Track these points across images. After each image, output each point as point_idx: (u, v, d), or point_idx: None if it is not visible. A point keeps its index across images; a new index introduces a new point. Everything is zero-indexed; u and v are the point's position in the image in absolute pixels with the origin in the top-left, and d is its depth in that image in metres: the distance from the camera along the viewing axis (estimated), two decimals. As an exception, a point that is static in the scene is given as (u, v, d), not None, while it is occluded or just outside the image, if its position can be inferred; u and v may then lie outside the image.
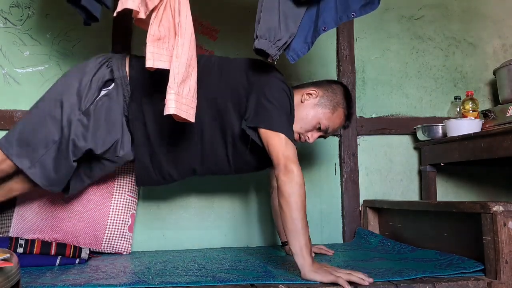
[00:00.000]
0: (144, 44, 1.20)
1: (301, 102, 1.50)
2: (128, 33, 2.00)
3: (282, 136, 1.32)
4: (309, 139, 1.52)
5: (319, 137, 1.54)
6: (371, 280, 1.16)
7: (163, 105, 1.20)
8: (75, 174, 1.49)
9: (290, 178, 1.24)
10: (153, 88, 1.41)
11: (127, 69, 1.44)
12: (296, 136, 1.49)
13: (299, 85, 1.61)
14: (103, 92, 1.41)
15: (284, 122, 1.36)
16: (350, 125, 1.61)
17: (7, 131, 1.80)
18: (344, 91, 1.54)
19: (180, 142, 1.48)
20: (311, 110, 1.49)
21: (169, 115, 1.20)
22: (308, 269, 1.19)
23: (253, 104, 1.39)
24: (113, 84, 1.43)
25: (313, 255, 1.62)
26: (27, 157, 1.38)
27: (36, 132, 1.38)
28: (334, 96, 1.51)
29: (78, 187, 1.58)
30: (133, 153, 1.51)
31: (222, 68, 1.49)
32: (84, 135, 1.37)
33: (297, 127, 1.48)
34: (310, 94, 1.50)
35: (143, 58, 1.24)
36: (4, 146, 1.39)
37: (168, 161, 1.51)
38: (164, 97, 1.19)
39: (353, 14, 1.42)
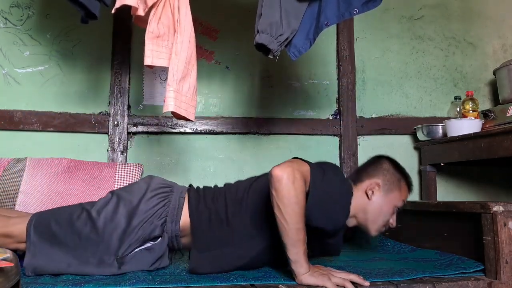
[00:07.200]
0: (144, 43, 1.20)
1: (369, 199, 1.41)
2: (128, 33, 2.00)
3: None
4: (392, 224, 1.45)
5: None
6: (367, 283, 1.15)
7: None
8: None
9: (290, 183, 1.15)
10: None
11: (180, 222, 1.32)
12: (382, 229, 1.43)
13: (350, 177, 1.49)
14: (147, 245, 1.31)
15: None
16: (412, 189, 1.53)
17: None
18: (392, 165, 1.47)
19: None
20: (383, 201, 1.41)
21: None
22: (303, 272, 1.16)
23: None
24: (159, 239, 1.32)
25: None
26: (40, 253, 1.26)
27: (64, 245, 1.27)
28: (391, 176, 1.44)
29: None
30: None
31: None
32: (109, 277, 1.25)
33: (379, 222, 1.41)
34: (373, 188, 1.41)
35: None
36: (33, 243, 1.25)
37: None
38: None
39: (355, 11, 1.42)
